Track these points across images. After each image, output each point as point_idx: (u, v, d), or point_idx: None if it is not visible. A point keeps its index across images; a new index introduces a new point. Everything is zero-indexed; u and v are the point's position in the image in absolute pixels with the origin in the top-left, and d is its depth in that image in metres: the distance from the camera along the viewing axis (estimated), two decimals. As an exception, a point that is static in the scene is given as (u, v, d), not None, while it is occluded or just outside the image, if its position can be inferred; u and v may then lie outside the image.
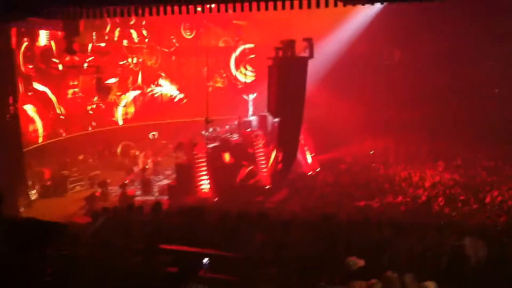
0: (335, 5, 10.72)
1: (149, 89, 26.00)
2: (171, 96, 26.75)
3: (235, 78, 27.58)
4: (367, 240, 8.01)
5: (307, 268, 6.58)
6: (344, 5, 10.84)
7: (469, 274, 7.24)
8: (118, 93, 24.48)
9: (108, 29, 23.66)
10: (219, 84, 27.44)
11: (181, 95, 26.83)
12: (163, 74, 26.41)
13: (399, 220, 10.40)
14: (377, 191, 16.47)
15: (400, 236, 8.20)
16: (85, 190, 19.23)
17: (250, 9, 11.68)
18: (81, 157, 21.98)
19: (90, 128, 23.34)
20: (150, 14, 12.28)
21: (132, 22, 24.32)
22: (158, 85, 26.30)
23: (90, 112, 23.56)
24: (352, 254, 6.68)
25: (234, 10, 11.74)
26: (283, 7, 11.29)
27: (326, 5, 10.81)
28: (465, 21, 21.36)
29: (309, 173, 20.21)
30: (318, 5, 10.95)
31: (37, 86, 20.88)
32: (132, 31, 24.80)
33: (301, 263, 6.84)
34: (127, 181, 19.14)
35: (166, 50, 26.20)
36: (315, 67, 17.19)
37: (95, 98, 23.32)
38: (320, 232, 8.47)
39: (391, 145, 22.73)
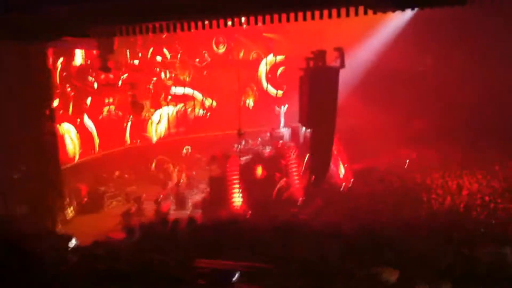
0: (365, 13, 10.61)
1: (181, 104, 26.22)
2: (204, 110, 26.94)
3: (267, 90, 27.63)
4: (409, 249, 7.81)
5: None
6: (374, 13, 10.71)
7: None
8: (152, 110, 24.76)
9: (141, 46, 24.06)
10: (250, 98, 27.50)
11: (214, 107, 26.99)
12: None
13: (438, 229, 10.14)
14: (414, 201, 16.12)
15: (438, 245, 7.98)
16: (121, 206, 19.45)
17: (280, 21, 11.68)
18: (117, 173, 22.27)
19: (127, 144, 23.68)
20: (182, 29, 12.41)
21: (164, 36, 24.66)
22: (191, 99, 26.51)
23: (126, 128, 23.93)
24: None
25: (264, 23, 11.77)
26: (313, 17, 11.24)
27: (356, 13, 10.72)
28: (496, 27, 20.90)
29: (343, 184, 19.97)
30: (347, 14, 10.87)
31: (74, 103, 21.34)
32: (164, 49, 25.18)
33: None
34: (162, 196, 19.28)
35: (199, 65, 26.45)
36: (347, 77, 17.04)
37: (130, 116, 23.67)
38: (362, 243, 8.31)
39: (426, 154, 22.30)
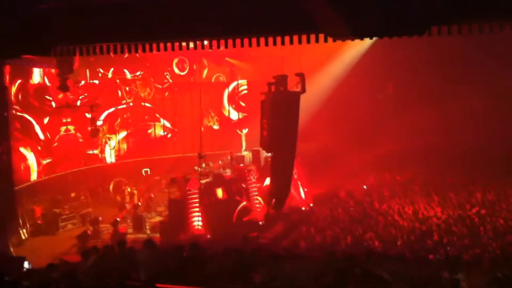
0: (325, 40, 10.85)
1: (143, 125, 26.00)
2: (164, 131, 26.77)
3: (228, 114, 27.74)
4: (369, 274, 7.90)
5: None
6: (334, 41, 10.96)
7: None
8: (108, 135, 24.45)
9: (101, 65, 23.85)
10: (211, 124, 27.48)
11: (175, 129, 26.86)
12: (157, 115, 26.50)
13: (395, 254, 10.30)
14: (371, 225, 16.36)
15: (400, 270, 8.10)
16: (77, 228, 19.01)
17: (242, 45, 11.82)
18: (73, 194, 21.80)
19: (82, 165, 23.23)
20: (143, 50, 12.37)
21: (125, 56, 24.49)
22: (151, 121, 26.32)
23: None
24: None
25: (226, 47, 11.86)
26: (275, 43, 11.42)
27: (317, 40, 10.95)
28: (458, 54, 21.71)
29: (303, 208, 20.10)
30: (308, 41, 11.09)
31: (30, 123, 20.88)
32: (126, 70, 25.02)
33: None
34: (119, 218, 18.95)
35: (160, 86, 26.36)
36: (308, 102, 17.30)
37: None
38: (325, 267, 8.34)
39: (385, 179, 22.77)
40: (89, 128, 20.40)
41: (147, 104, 25.94)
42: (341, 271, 7.89)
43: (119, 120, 24.89)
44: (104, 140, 24.18)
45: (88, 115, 21.13)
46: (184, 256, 9.49)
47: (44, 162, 21.36)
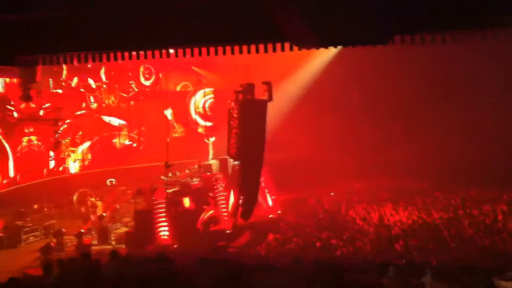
0: (291, 49, 10.93)
1: (108, 135, 25.64)
2: (130, 141, 26.46)
3: (195, 122, 27.60)
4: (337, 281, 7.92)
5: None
6: (299, 49, 11.05)
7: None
8: (71, 148, 24.02)
9: (65, 75, 23.46)
10: (176, 135, 27.29)
11: (141, 138, 26.59)
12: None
13: (363, 260, 10.38)
14: (339, 232, 16.47)
15: (366, 276, 8.16)
16: (40, 241, 18.52)
17: (208, 54, 11.77)
18: (35, 206, 21.25)
19: (45, 176, 22.74)
20: (108, 60, 12.21)
21: (89, 66, 24.19)
22: (116, 130, 25.99)
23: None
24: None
25: (192, 55, 11.81)
26: (241, 51, 11.43)
27: (282, 49, 11.01)
28: (426, 61, 22.11)
29: (271, 216, 20.12)
30: (274, 50, 11.14)
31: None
32: (90, 79, 24.67)
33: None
34: (84, 230, 18.56)
35: (125, 95, 26.07)
36: (276, 110, 17.39)
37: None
38: (292, 276, 8.32)
39: (353, 186, 23.01)
40: (52, 139, 19.99)
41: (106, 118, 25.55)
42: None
43: (81, 133, 24.46)
44: (66, 153, 23.76)
45: (51, 127, 20.73)
46: (152, 268, 9.35)
47: (6, 173, 20.81)
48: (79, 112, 24.39)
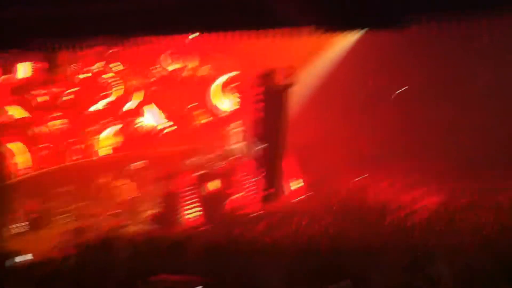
0: (314, 34, 10.91)
1: (132, 119, 25.90)
2: (155, 126, 26.72)
3: (218, 107, 27.70)
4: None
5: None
6: (323, 34, 11.03)
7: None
8: (97, 136, 24.33)
9: (88, 60, 23.71)
10: (200, 120, 27.36)
11: (166, 124, 26.82)
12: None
13: (386, 246, 10.41)
14: (360, 219, 16.44)
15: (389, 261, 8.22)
16: (69, 223, 19.00)
17: (232, 39, 11.85)
18: (64, 189, 21.75)
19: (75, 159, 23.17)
20: (130, 44, 12.36)
21: (111, 52, 24.39)
22: (141, 115, 26.25)
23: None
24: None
25: (216, 41, 11.89)
26: (264, 36, 11.46)
27: (306, 34, 11.01)
28: (450, 50, 21.73)
29: (294, 200, 20.19)
30: (298, 35, 11.15)
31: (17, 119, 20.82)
32: (112, 64, 24.86)
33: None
34: (112, 212, 18.97)
35: (149, 81, 26.27)
36: (298, 94, 17.38)
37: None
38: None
39: (377, 174, 22.83)
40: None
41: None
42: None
43: (105, 120, 24.73)
44: (93, 140, 24.12)
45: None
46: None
47: (34, 157, 21.29)
48: (105, 101, 24.61)
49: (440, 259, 8.32)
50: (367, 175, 22.05)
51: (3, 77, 19.88)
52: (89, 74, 23.85)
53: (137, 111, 26.69)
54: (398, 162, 23.08)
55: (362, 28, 10.85)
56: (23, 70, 21.02)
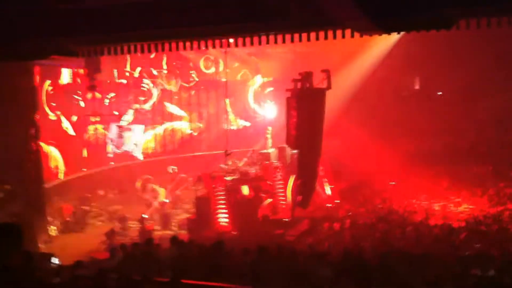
0: (352, 36, 10.73)
1: (168, 124, 26.15)
2: (191, 129, 26.91)
3: (254, 111, 27.71)
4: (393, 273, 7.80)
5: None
6: (361, 36, 10.83)
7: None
8: (135, 142, 24.62)
9: (128, 65, 24.10)
10: (234, 127, 27.36)
11: (201, 127, 26.98)
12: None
13: (423, 252, 10.12)
14: (398, 223, 16.12)
15: (427, 268, 7.98)
16: (105, 225, 19.21)
17: (267, 42, 11.77)
18: (101, 192, 22.06)
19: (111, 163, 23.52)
20: (170, 49, 12.44)
21: (152, 56, 24.71)
22: (178, 119, 26.48)
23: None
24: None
25: (252, 44, 11.84)
26: (300, 39, 11.34)
27: (343, 36, 10.83)
28: (482, 50, 21.28)
29: (329, 205, 19.96)
30: (335, 37, 10.98)
31: (59, 123, 21.27)
32: (152, 69, 25.20)
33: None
34: (146, 215, 19.10)
35: (186, 85, 26.51)
36: (334, 98, 17.18)
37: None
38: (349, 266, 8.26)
39: (412, 176, 22.43)
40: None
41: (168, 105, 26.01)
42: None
43: (143, 126, 24.98)
44: (133, 145, 24.43)
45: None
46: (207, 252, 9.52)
47: (73, 160, 21.68)
48: (143, 105, 24.85)
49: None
50: (395, 182, 21.81)
51: (47, 82, 20.34)
52: (130, 80, 24.28)
53: (175, 116, 26.96)
54: (441, 163, 22.69)
55: (399, 31, 10.65)
56: (67, 76, 21.48)
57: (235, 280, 7.95)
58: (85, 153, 22.44)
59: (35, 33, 11.66)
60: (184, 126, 26.73)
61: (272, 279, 8.12)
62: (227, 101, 24.73)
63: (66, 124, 21.45)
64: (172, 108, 26.14)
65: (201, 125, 26.96)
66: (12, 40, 11.70)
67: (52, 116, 20.95)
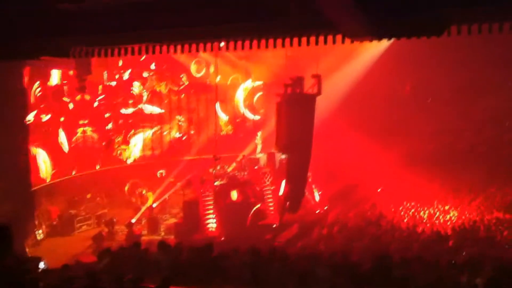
0: (343, 41, 10.72)
1: (157, 127, 25.99)
2: (180, 133, 26.79)
3: (243, 116, 27.68)
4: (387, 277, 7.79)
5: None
6: (352, 42, 10.84)
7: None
8: (123, 147, 24.47)
9: (118, 67, 23.96)
10: (224, 132, 27.26)
11: (190, 131, 26.88)
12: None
13: (412, 256, 10.15)
14: (387, 228, 16.17)
15: (417, 272, 7.99)
16: (92, 229, 19.08)
17: (258, 46, 11.72)
18: (88, 195, 21.89)
19: (98, 167, 23.31)
20: (160, 52, 12.36)
21: (142, 59, 24.57)
22: (167, 122, 26.34)
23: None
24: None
25: (243, 48, 11.80)
26: (291, 44, 11.32)
27: (334, 41, 10.82)
28: (476, 51, 21.39)
29: (317, 211, 19.98)
30: (325, 42, 10.96)
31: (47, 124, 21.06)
32: (145, 72, 25.09)
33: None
34: (134, 220, 18.99)
35: (176, 88, 26.40)
36: (325, 103, 17.21)
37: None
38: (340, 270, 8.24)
39: (403, 180, 22.50)
40: (103, 144, 20.31)
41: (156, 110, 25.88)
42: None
43: (133, 131, 24.84)
44: (119, 151, 24.27)
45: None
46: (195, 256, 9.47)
47: (61, 163, 21.46)
48: (130, 109, 24.64)
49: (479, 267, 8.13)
50: (380, 189, 21.87)
51: (36, 83, 20.15)
52: (119, 82, 24.10)
53: (163, 119, 26.81)
54: (433, 166, 22.77)
55: (390, 37, 10.70)
56: (56, 77, 21.30)
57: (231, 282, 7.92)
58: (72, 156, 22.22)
59: (31, 33, 11.55)
60: (173, 130, 26.61)
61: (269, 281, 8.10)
62: (217, 105, 24.67)
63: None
64: (160, 111, 25.97)
65: (190, 130, 26.87)
66: (7, 39, 11.59)
67: (44, 117, 20.75)
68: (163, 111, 25.75)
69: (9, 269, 4.14)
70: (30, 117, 18.89)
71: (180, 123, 26.66)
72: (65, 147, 21.60)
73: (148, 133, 25.41)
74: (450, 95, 23.77)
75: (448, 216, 17.49)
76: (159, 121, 25.96)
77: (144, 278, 7.80)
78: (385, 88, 24.90)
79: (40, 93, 20.43)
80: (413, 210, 18.47)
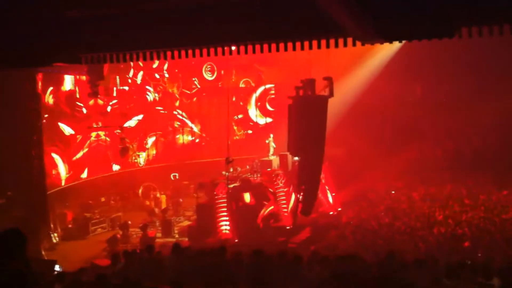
0: (354, 44, 10.74)
1: (171, 131, 26.18)
2: (192, 137, 26.94)
3: (254, 119, 27.77)
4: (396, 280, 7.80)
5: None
6: (363, 44, 10.85)
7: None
8: (137, 153, 24.66)
9: (131, 73, 24.18)
10: (237, 137, 27.34)
11: (203, 134, 27.01)
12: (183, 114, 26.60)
13: (426, 258, 10.11)
14: (401, 230, 16.11)
15: (430, 274, 7.98)
16: (107, 232, 19.24)
17: (269, 50, 11.78)
18: (103, 199, 22.08)
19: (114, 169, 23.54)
20: (172, 57, 12.47)
21: (155, 66, 24.79)
22: (179, 127, 26.51)
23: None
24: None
25: (254, 52, 11.85)
26: (302, 47, 11.36)
27: (345, 44, 10.84)
28: (487, 55, 21.26)
29: (331, 213, 19.96)
30: (336, 45, 10.99)
31: (62, 129, 21.29)
32: (156, 74, 25.27)
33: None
34: (148, 222, 19.11)
35: (188, 92, 26.56)
36: (337, 105, 17.21)
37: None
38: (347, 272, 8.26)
39: (414, 183, 22.42)
40: (119, 146, 20.47)
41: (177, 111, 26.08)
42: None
43: (149, 138, 25.02)
44: (134, 157, 24.46)
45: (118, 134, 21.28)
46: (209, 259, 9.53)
47: (74, 168, 21.70)
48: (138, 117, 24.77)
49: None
50: (393, 192, 21.80)
51: (50, 89, 20.41)
52: (132, 87, 24.32)
53: (176, 123, 26.98)
54: (443, 170, 22.66)
55: (401, 39, 10.68)
56: (69, 82, 21.56)
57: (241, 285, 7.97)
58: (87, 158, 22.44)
59: (43, 41, 11.73)
60: (186, 133, 26.77)
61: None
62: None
63: (67, 131, 21.40)
64: (175, 115, 26.14)
65: (202, 133, 27.00)
66: (20, 47, 11.80)
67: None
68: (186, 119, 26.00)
69: (22, 273, 4.22)
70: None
71: (192, 126, 26.82)
72: (78, 151, 21.84)
73: (160, 135, 25.62)
74: (458, 100, 23.64)
75: (461, 217, 17.36)
76: (172, 124, 26.15)
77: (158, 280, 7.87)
78: (395, 91, 24.83)
79: (53, 98, 20.72)
80: (426, 212, 18.39)
